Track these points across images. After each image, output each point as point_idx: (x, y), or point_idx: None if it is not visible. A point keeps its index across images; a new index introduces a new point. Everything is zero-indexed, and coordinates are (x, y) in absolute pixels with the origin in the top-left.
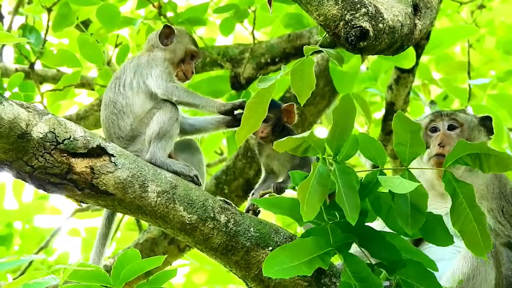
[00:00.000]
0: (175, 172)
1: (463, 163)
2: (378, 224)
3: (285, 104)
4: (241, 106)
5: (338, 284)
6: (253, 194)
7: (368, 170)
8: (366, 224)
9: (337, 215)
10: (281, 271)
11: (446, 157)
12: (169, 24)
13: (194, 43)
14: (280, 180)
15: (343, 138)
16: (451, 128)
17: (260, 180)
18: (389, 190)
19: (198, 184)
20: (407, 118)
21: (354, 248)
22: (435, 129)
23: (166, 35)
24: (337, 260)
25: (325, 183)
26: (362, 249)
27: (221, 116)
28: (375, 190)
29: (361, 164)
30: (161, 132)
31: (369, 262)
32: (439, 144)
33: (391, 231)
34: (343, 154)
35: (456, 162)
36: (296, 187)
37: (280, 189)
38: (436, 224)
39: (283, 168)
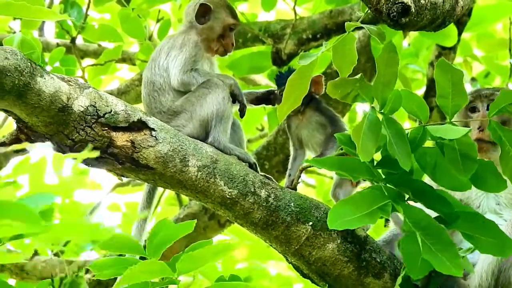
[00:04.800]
0: (236, 157)
1: (507, 111)
2: None
3: (313, 76)
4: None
5: (378, 259)
6: (289, 175)
7: (412, 128)
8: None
9: (385, 173)
10: (345, 222)
11: (491, 106)
12: (204, 2)
13: (232, 13)
14: (314, 155)
15: (388, 89)
16: (474, 110)
17: (291, 159)
18: (437, 143)
19: (257, 171)
20: (449, 65)
21: None
22: (474, 109)
23: (203, 13)
24: (378, 236)
25: (375, 130)
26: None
27: (246, 92)
28: (421, 146)
29: None
30: (219, 114)
31: None
32: (478, 128)
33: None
34: (389, 107)
35: (499, 111)
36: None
37: None
38: (486, 170)
39: (312, 138)
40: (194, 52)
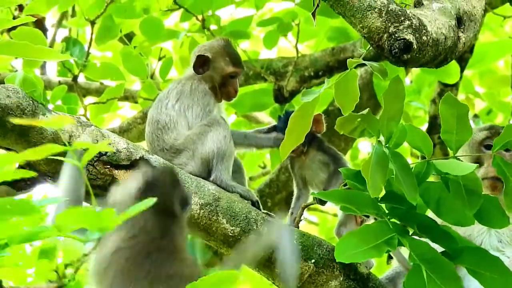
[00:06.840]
0: (239, 195)
1: None
2: None
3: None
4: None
5: None
6: (292, 213)
7: (416, 162)
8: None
9: (388, 208)
10: (353, 255)
11: (494, 141)
12: (201, 54)
13: (233, 61)
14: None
15: (394, 123)
16: (507, 149)
17: (294, 198)
18: (442, 178)
19: (259, 209)
20: (455, 100)
21: None
22: (490, 147)
23: (201, 64)
24: (381, 273)
25: (383, 164)
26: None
27: (251, 135)
28: (425, 180)
29: None
30: (221, 153)
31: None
32: None
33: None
34: (394, 142)
35: (503, 146)
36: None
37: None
38: (491, 206)
39: (316, 177)
40: (207, 102)
